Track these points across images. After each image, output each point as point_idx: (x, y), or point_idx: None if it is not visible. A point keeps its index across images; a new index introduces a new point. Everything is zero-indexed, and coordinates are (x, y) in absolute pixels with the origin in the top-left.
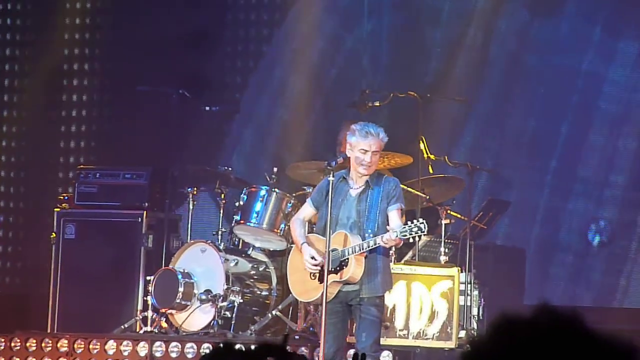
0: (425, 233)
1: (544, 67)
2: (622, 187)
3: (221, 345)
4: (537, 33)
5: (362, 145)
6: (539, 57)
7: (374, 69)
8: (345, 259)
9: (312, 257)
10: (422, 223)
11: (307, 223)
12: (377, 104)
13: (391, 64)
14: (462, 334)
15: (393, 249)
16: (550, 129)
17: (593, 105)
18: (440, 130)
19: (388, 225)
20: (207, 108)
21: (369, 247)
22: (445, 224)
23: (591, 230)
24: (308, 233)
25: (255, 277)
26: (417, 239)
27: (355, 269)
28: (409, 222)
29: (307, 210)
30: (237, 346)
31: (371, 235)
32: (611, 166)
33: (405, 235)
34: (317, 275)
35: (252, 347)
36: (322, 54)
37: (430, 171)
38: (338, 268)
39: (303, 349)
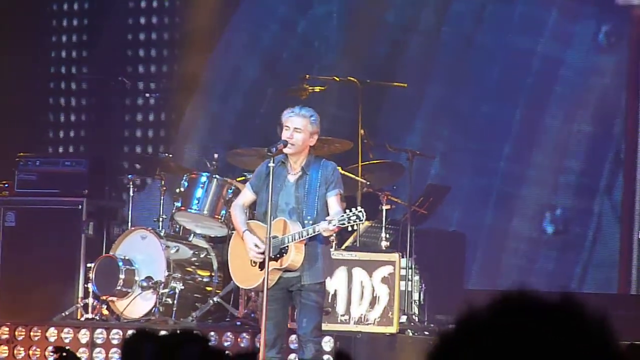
0: (364, 221)
1: (499, 49)
2: (577, 172)
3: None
4: (492, 15)
5: (285, 123)
6: (494, 39)
7: (325, 52)
8: (285, 247)
9: (256, 245)
10: (360, 211)
11: (247, 209)
12: (317, 89)
13: (343, 47)
14: (403, 318)
15: (334, 235)
16: (504, 113)
17: (548, 89)
18: (385, 116)
19: (327, 210)
20: (148, 95)
21: (308, 235)
22: (386, 210)
23: (546, 218)
24: (248, 220)
25: (197, 263)
26: (355, 227)
27: (295, 256)
28: (347, 211)
29: (247, 195)
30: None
31: (310, 221)
32: (565, 151)
33: (344, 224)
34: (257, 262)
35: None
36: (275, 38)
37: (371, 157)
38: (278, 255)
39: (244, 335)
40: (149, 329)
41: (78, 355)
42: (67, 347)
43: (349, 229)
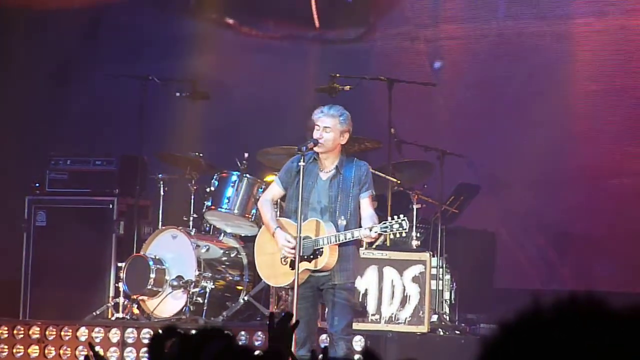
0: (406, 230)
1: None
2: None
3: (160, 330)
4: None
5: (315, 122)
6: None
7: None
8: (319, 248)
9: (289, 242)
10: (404, 220)
11: (276, 204)
12: (347, 88)
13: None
14: (434, 318)
15: None
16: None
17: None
18: (413, 115)
19: (360, 211)
20: (178, 94)
21: (345, 239)
22: (416, 209)
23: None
24: (277, 217)
25: (227, 262)
26: (397, 235)
27: (329, 259)
28: (389, 218)
29: (275, 189)
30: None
31: (344, 222)
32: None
33: (386, 232)
34: (289, 261)
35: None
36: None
37: (401, 156)
38: (312, 256)
39: None
40: (175, 325)
41: (109, 354)
42: (98, 348)
43: (391, 236)
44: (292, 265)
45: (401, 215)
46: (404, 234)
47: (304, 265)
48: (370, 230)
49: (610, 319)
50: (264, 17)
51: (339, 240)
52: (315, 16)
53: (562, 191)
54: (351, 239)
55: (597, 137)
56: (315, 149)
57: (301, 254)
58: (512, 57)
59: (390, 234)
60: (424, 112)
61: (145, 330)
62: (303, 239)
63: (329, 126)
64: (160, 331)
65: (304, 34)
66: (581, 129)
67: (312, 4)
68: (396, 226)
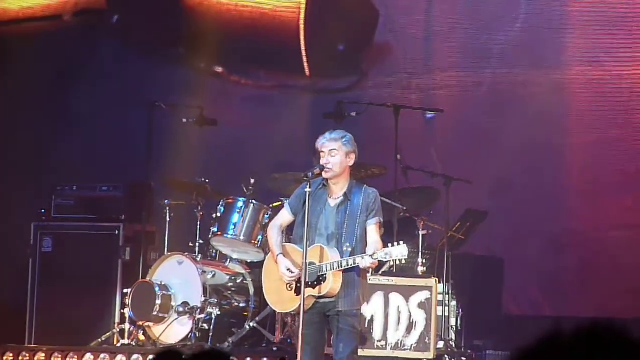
0: (406, 257)
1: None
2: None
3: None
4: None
5: (320, 148)
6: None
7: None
8: (323, 274)
9: (289, 270)
10: (404, 246)
11: (284, 230)
12: (354, 114)
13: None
14: (441, 344)
15: None
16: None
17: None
18: (419, 141)
19: (366, 238)
20: (185, 120)
21: (347, 265)
22: (423, 235)
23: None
24: (285, 241)
25: (233, 288)
26: (397, 262)
27: (333, 285)
28: (389, 245)
29: (285, 216)
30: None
31: (349, 248)
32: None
33: (386, 259)
34: (294, 287)
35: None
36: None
37: (407, 182)
38: (315, 283)
39: None
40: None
41: None
42: None
43: (391, 262)
44: (298, 291)
45: (401, 242)
46: (404, 261)
47: (309, 291)
48: (372, 257)
49: (631, 347)
50: (254, 66)
51: (342, 267)
52: (306, 65)
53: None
54: (353, 265)
55: (593, 190)
56: (324, 175)
57: (306, 280)
58: (506, 107)
59: (390, 261)
60: (430, 138)
61: (151, 356)
62: (307, 265)
63: (334, 149)
64: (160, 351)
65: (295, 83)
66: (576, 181)
67: (303, 52)
68: (396, 253)
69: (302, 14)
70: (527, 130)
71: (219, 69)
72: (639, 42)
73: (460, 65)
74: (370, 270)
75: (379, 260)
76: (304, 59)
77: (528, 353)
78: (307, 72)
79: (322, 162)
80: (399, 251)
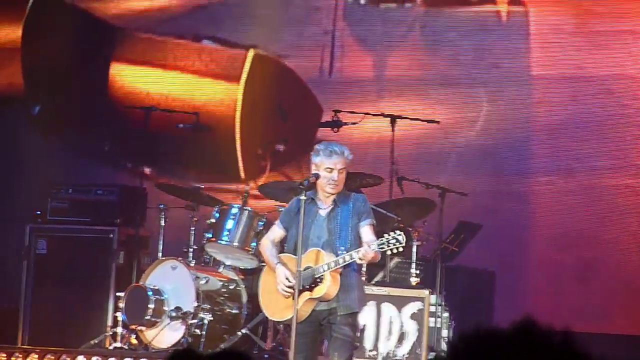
0: (404, 244)
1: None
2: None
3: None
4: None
5: (327, 164)
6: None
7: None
8: (319, 276)
9: (287, 279)
10: (400, 235)
11: (277, 245)
12: (351, 124)
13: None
14: (432, 355)
15: (364, 267)
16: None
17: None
18: (415, 151)
19: (360, 241)
20: (181, 125)
21: (344, 262)
22: (416, 246)
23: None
24: (279, 253)
25: (226, 295)
26: (395, 251)
27: (330, 286)
28: (385, 234)
29: (276, 232)
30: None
31: (344, 252)
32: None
33: (383, 248)
34: (291, 294)
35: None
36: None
37: (401, 192)
38: (313, 285)
39: None
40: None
41: None
42: None
43: (388, 252)
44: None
45: (397, 231)
46: (400, 249)
47: (306, 295)
48: (369, 247)
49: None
50: (182, 167)
51: (339, 264)
52: (241, 168)
53: None
54: (352, 264)
55: (559, 313)
56: (328, 190)
57: (302, 285)
58: None
59: (387, 250)
60: (426, 149)
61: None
62: (303, 270)
63: (343, 167)
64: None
65: (229, 187)
66: (542, 306)
67: (239, 156)
68: (393, 241)
69: (238, 112)
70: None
71: (147, 170)
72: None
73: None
74: (364, 279)
75: (376, 252)
76: (240, 162)
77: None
78: (242, 175)
79: (328, 177)
80: (395, 238)
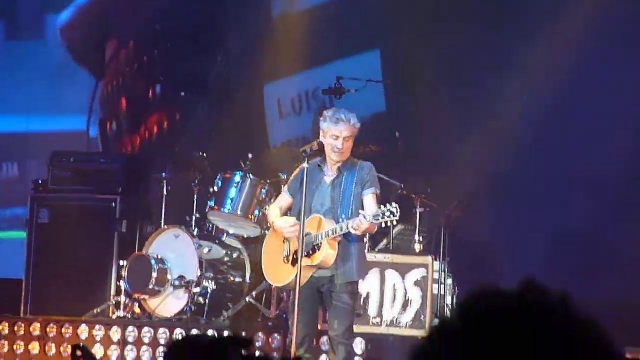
0: (398, 218)
1: None
2: None
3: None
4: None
5: (333, 132)
6: None
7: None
8: (318, 243)
9: (286, 222)
10: (395, 207)
11: (286, 212)
12: (354, 91)
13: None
14: (436, 322)
15: (367, 236)
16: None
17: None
18: (420, 120)
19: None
20: (183, 94)
21: (341, 231)
22: (420, 213)
23: None
24: None
25: (229, 263)
26: (390, 224)
27: (327, 253)
28: (381, 207)
29: (284, 199)
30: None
31: (346, 220)
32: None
33: (378, 220)
34: (290, 259)
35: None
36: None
37: (405, 159)
38: (311, 252)
39: (276, 335)
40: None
41: (109, 352)
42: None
43: (383, 225)
44: (294, 263)
45: (393, 203)
46: (395, 222)
47: (304, 261)
48: (365, 218)
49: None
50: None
51: (336, 233)
52: None
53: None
54: (350, 234)
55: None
56: (333, 157)
57: (302, 253)
58: None
59: (382, 222)
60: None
61: (146, 329)
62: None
63: (349, 135)
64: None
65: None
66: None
67: None
68: (387, 214)
69: None
70: None
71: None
72: None
73: None
74: (367, 246)
75: (372, 223)
76: None
77: (452, 328)
78: None
79: (333, 144)
80: (390, 211)
